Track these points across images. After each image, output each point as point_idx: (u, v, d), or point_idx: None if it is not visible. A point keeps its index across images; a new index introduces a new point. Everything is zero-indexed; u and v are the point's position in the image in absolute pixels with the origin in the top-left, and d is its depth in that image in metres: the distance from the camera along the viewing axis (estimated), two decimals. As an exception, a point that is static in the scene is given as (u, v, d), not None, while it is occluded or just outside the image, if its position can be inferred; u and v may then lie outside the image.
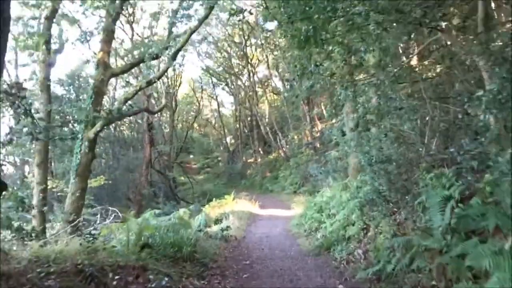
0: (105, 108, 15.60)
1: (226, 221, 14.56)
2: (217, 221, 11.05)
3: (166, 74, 35.45)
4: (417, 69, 8.69)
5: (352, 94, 11.01)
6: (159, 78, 14.56)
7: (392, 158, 6.94)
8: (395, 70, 7.76)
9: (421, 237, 5.12)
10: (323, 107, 28.65)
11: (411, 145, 7.18)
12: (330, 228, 9.27)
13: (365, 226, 7.64)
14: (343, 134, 15.34)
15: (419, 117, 6.70)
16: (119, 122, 29.07)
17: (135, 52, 15.38)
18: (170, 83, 35.34)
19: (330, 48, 7.49)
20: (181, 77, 36.28)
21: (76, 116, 15.66)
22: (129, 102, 14.86)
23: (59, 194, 16.20)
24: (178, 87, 35.96)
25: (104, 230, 7.36)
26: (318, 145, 26.84)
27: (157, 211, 8.04)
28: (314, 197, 15.14)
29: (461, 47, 6.18)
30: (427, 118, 7.14)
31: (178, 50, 14.71)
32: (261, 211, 18.38)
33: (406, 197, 6.68)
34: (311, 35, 5.98)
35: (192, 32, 14.78)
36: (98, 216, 11.07)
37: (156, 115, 35.99)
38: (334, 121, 25.53)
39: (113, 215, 11.70)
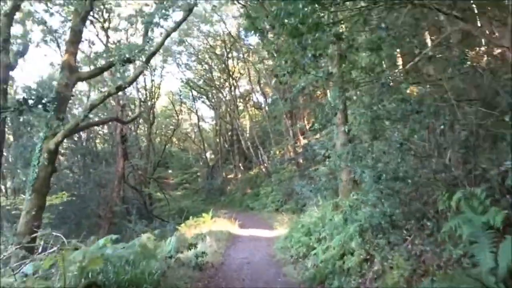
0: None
1: (202, 243, 13.02)
2: (191, 245, 9.49)
3: (144, 85, 34.03)
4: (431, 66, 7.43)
5: (344, 99, 9.81)
6: (130, 83, 13.06)
7: (402, 175, 5.65)
8: (405, 68, 6.52)
9: (461, 280, 3.76)
10: (306, 122, 27.52)
11: (424, 158, 5.90)
12: (322, 256, 7.85)
13: (367, 257, 6.27)
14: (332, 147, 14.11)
15: (442, 123, 5.43)
16: (91, 134, 27.27)
17: (106, 56, 13.82)
18: (147, 94, 33.77)
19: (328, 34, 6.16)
20: (159, 89, 34.71)
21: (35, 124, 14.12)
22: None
23: (14, 212, 14.32)
24: (156, 99, 34.34)
25: (47, 262, 5.75)
26: (301, 161, 25.59)
27: (114, 237, 6.51)
28: (300, 217, 13.77)
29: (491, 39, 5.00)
30: (441, 126, 5.89)
31: (153, 53, 13.31)
32: (242, 231, 16.85)
33: (422, 222, 5.37)
34: (308, 15, 4.69)
35: (168, 35, 13.43)
36: (41, 243, 9.26)
37: (132, 128, 34.28)
38: (318, 136, 24.45)
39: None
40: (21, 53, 15.33)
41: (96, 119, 20.12)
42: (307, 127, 27.35)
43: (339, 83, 8.93)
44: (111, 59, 13.50)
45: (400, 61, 9.42)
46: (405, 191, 5.52)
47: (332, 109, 11.11)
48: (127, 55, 13.02)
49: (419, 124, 5.53)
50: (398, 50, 7.01)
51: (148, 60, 12.93)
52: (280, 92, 26.94)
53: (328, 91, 11.68)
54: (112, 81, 12.59)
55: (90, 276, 5.16)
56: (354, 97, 10.37)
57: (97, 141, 30.73)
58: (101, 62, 14.63)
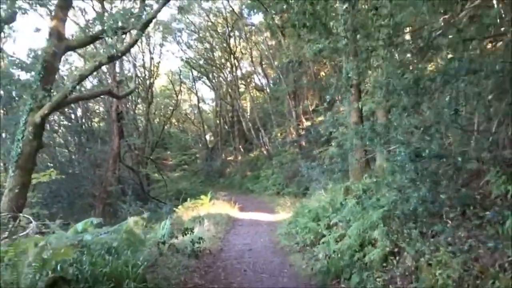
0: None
1: (200, 226, 12.04)
2: (187, 230, 8.46)
3: (142, 63, 32.67)
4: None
5: (363, 69, 8.68)
6: (123, 53, 11.86)
7: (445, 153, 4.57)
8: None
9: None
10: (309, 103, 26.34)
11: (471, 133, 4.81)
12: (335, 245, 6.83)
13: (395, 249, 5.23)
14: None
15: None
16: (88, 113, 26.10)
17: (99, 23, 12.57)
18: (146, 73, 32.49)
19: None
20: (158, 68, 33.38)
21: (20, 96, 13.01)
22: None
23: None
24: (155, 78, 33.01)
25: (11, 250, 4.61)
26: (303, 143, 24.54)
27: (95, 221, 5.47)
28: (305, 201, 12.78)
29: None
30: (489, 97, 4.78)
31: (149, 21, 12.05)
32: (242, 214, 15.87)
33: (471, 210, 4.31)
34: None
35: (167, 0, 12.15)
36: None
37: (130, 106, 33.08)
38: (322, 117, 23.29)
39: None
40: (7, 21, 14.07)
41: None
42: (311, 108, 26.20)
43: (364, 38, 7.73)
44: (104, 27, 12.31)
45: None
46: (450, 172, 4.47)
47: (347, 82, 9.98)
48: (120, 23, 11.81)
49: (476, 86, 4.36)
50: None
51: (144, 28, 11.69)
52: (283, 72, 25.70)
53: (344, 61, 10.46)
54: (106, 51, 11.37)
55: (59, 268, 4.12)
56: (380, 61, 9.21)
57: (95, 119, 29.51)
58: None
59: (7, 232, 5.84)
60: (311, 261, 7.22)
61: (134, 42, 12.02)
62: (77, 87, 12.81)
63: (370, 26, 6.34)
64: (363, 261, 5.60)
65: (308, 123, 25.82)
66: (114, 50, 11.09)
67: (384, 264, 5.25)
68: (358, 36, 10.65)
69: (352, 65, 10.05)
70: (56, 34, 11.87)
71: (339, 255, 6.24)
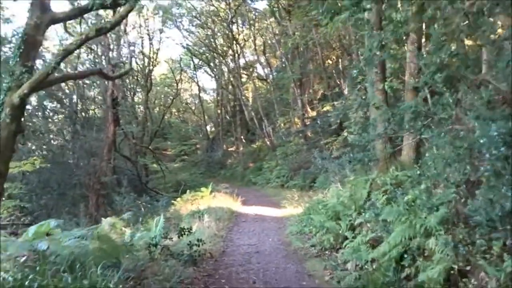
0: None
1: (199, 222, 10.63)
2: (183, 230, 7.00)
3: (141, 50, 31.04)
4: None
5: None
6: (113, 26, 10.32)
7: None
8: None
9: None
10: (314, 91, 24.84)
11: None
12: (368, 253, 5.42)
13: (466, 267, 3.79)
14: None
15: None
16: (84, 97, 24.59)
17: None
18: (145, 60, 30.93)
19: None
20: (157, 54, 31.77)
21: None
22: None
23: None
24: (154, 65, 31.41)
25: None
26: (309, 134, 23.07)
27: (53, 223, 4.06)
28: (318, 195, 11.37)
29: None
30: None
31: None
32: (245, 208, 14.44)
33: None
34: None
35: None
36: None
37: (129, 95, 31.57)
38: (328, 107, 21.77)
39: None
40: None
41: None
42: (317, 97, 24.71)
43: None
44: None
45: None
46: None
47: (369, 61, 8.50)
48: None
49: None
50: None
51: (137, -3, 10.16)
52: (288, 58, 24.14)
53: (366, 36, 8.97)
54: (91, 24, 9.89)
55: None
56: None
57: (92, 106, 27.95)
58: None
59: None
60: (336, 271, 5.79)
61: (126, 14, 10.44)
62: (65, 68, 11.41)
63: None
64: (416, 280, 4.16)
65: (314, 113, 24.37)
66: (103, 22, 9.62)
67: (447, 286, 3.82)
68: (384, 5, 9.21)
69: (376, 39, 8.61)
70: (39, 4, 10.31)
71: (377, 268, 4.81)
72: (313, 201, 10.59)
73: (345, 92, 20.95)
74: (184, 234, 6.88)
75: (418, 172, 5.51)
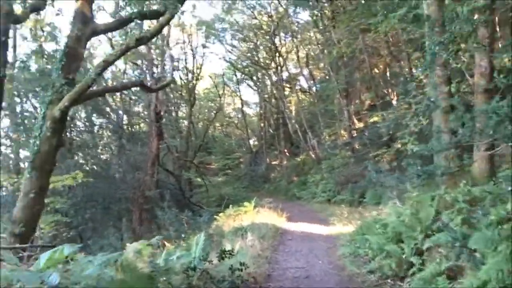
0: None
1: (242, 241, 9.86)
2: (224, 252, 6.23)
3: (185, 65, 31.25)
4: None
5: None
6: (153, 35, 10.00)
7: None
8: None
9: None
10: (363, 101, 23.62)
11: None
12: (445, 286, 4.39)
13: None
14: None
15: None
16: (129, 110, 24.84)
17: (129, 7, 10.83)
18: (188, 75, 31.08)
19: None
20: (201, 69, 31.85)
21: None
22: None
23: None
24: (197, 79, 31.48)
25: None
26: (357, 146, 21.86)
27: (68, 250, 3.46)
28: (372, 212, 10.30)
29: None
30: None
31: (184, -2, 10.14)
32: (290, 225, 13.51)
33: None
34: None
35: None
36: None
37: (173, 109, 31.76)
38: (376, 118, 20.51)
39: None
40: (36, 8, 12.69)
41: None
42: (364, 108, 23.46)
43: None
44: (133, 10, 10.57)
45: None
46: None
47: (431, 60, 7.46)
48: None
49: None
50: None
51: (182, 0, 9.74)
52: (333, 69, 23.16)
53: (426, 35, 8.00)
54: (130, 34, 9.60)
55: None
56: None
57: (138, 121, 28.30)
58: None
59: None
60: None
61: (167, 22, 10.09)
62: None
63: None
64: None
65: (361, 124, 23.15)
66: (143, 32, 9.27)
67: None
68: (446, -1, 8.19)
69: (438, 38, 7.59)
70: (81, 17, 10.20)
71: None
72: (366, 218, 9.53)
73: (394, 102, 19.71)
74: (226, 257, 6.11)
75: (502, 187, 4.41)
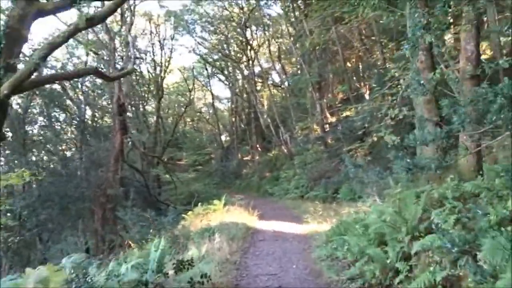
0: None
1: (209, 243, 8.96)
2: (182, 263, 5.30)
3: (152, 57, 29.79)
4: None
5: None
6: (108, 15, 8.84)
7: None
8: None
9: None
10: (335, 95, 23.04)
11: None
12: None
13: None
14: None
15: None
16: (92, 104, 23.31)
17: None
18: (155, 67, 29.70)
19: None
20: (169, 62, 30.51)
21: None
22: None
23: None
24: (165, 72, 30.13)
25: None
26: (329, 141, 21.27)
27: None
28: (348, 209, 9.61)
29: None
30: None
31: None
32: (262, 224, 12.70)
33: None
34: None
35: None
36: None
37: (140, 102, 30.31)
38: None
39: None
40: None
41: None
42: (336, 101, 22.88)
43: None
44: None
45: None
46: None
47: (413, 46, 6.75)
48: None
49: None
50: None
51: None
52: (305, 61, 22.45)
53: (407, 14, 7.28)
54: (80, 14, 8.40)
55: None
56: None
57: (100, 114, 26.66)
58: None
59: None
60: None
61: (122, 2, 8.98)
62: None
63: None
64: None
65: (333, 118, 22.58)
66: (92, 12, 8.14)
67: None
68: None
69: (419, 18, 6.88)
70: (24, -6, 8.98)
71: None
72: (343, 216, 8.83)
73: (366, 96, 19.21)
74: (184, 268, 5.19)
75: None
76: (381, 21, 14.93)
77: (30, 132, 18.96)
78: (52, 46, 8.38)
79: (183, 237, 10.82)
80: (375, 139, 12.72)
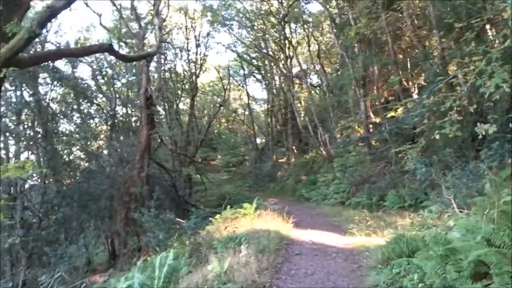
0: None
1: (233, 257, 7.17)
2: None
3: (187, 55, 28.62)
4: None
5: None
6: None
7: None
8: None
9: None
10: (380, 93, 20.73)
11: None
12: None
13: None
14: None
15: None
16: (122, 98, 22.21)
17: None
18: (190, 65, 28.54)
19: None
20: (205, 59, 29.27)
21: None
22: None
23: None
24: (200, 69, 28.89)
25: None
26: (373, 142, 19.06)
27: None
28: (407, 220, 7.58)
29: None
30: None
31: None
32: (298, 233, 10.76)
33: None
34: None
35: None
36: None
37: (173, 101, 29.15)
38: (394, 113, 17.66)
39: None
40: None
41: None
42: (381, 100, 20.57)
43: None
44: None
45: None
46: None
47: None
48: None
49: None
50: None
51: None
52: (348, 55, 20.37)
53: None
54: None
55: None
56: None
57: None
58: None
59: None
60: None
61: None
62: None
63: None
64: None
65: (378, 119, 20.29)
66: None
67: None
68: None
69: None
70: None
71: None
72: (398, 228, 6.82)
73: (414, 95, 16.93)
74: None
75: None
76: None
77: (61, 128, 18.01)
78: (52, 10, 6.94)
79: (206, 246, 9.15)
80: (437, 137, 10.51)
